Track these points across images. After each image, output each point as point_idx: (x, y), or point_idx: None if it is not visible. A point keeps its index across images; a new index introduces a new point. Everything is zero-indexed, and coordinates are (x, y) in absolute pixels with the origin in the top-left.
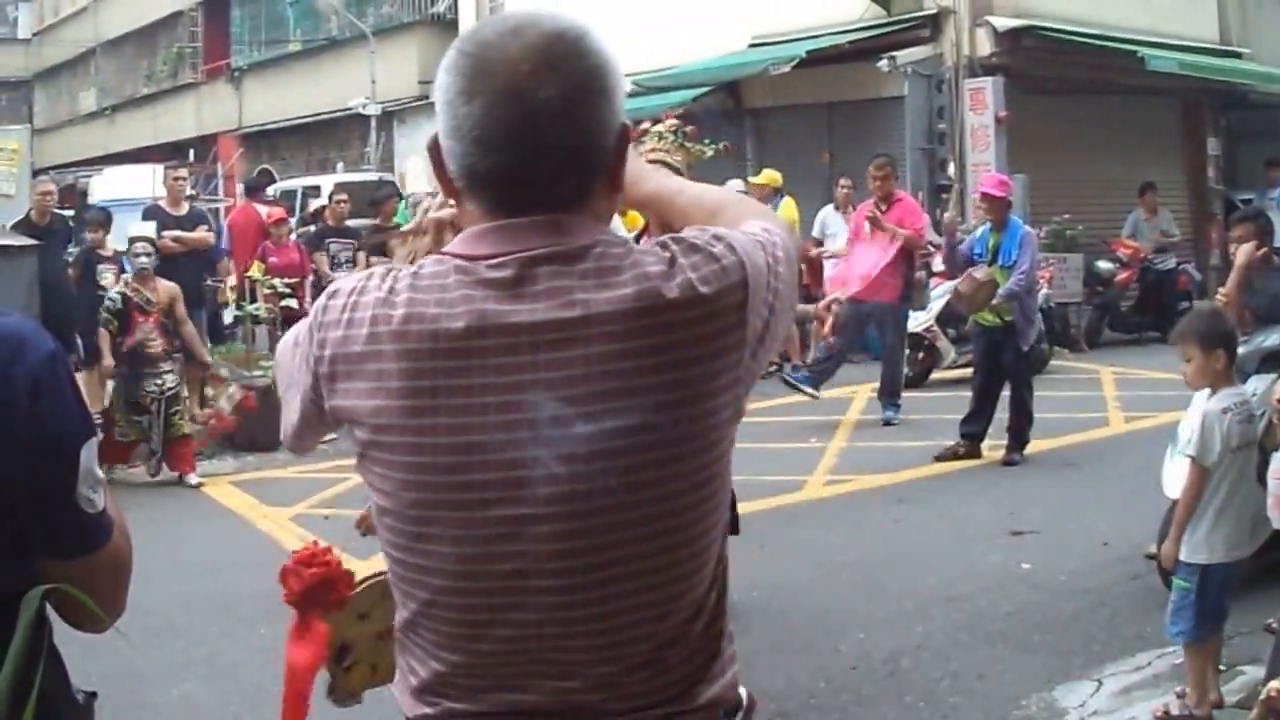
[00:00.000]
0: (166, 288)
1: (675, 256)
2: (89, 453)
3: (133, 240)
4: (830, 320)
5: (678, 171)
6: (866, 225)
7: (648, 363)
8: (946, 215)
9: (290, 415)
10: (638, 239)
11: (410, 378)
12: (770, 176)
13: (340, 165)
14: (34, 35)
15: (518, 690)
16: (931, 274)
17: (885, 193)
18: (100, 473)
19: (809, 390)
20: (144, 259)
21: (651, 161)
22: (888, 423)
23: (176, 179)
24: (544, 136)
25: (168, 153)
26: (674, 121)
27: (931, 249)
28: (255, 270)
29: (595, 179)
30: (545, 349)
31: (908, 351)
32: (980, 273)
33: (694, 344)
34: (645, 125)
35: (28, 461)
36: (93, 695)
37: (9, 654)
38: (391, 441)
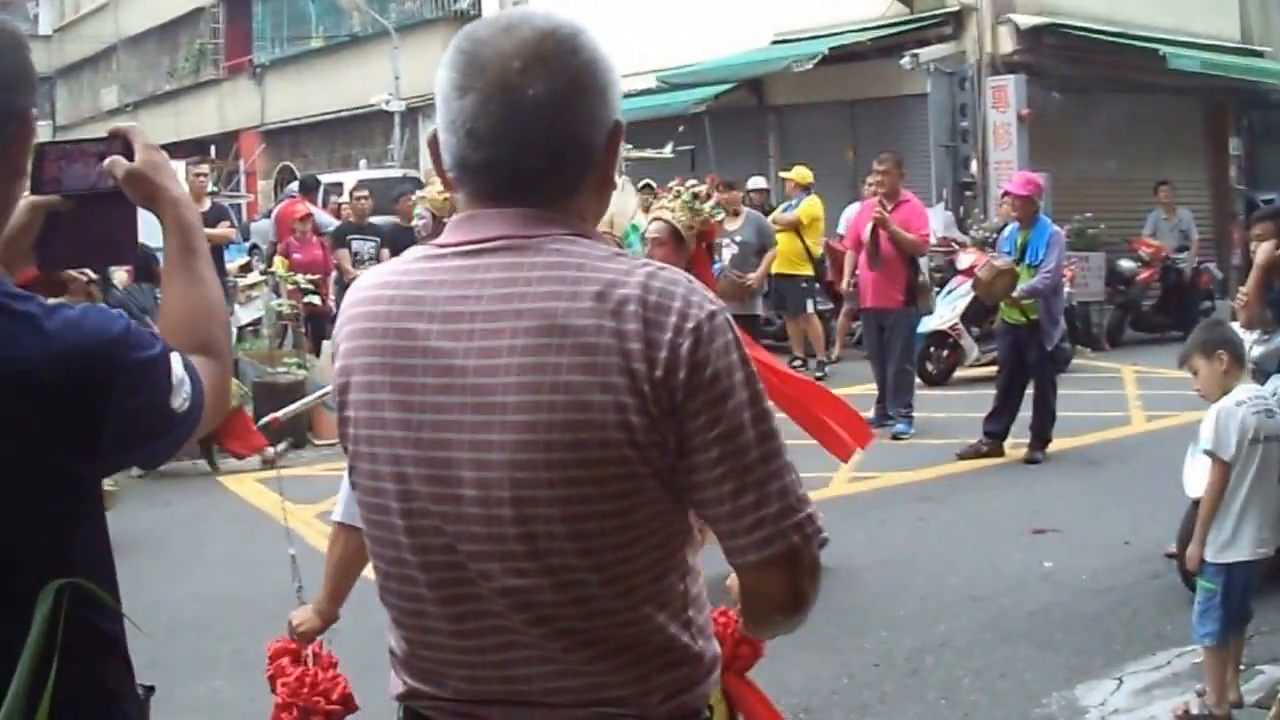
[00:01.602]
0: None
1: (633, 269)
2: (175, 362)
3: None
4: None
5: (678, 233)
6: (866, 227)
7: (565, 360)
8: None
9: None
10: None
11: (366, 354)
12: (801, 174)
13: (363, 162)
14: (55, 32)
15: (471, 680)
16: (956, 271)
17: (890, 190)
18: (182, 370)
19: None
20: None
21: (655, 219)
22: (896, 436)
23: (198, 175)
24: (532, 132)
25: (190, 149)
26: (695, 184)
27: (955, 246)
28: (279, 266)
29: (583, 175)
30: (480, 336)
31: (931, 349)
32: (999, 260)
33: (610, 351)
34: (674, 186)
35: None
36: (150, 690)
37: (25, 650)
38: (353, 416)
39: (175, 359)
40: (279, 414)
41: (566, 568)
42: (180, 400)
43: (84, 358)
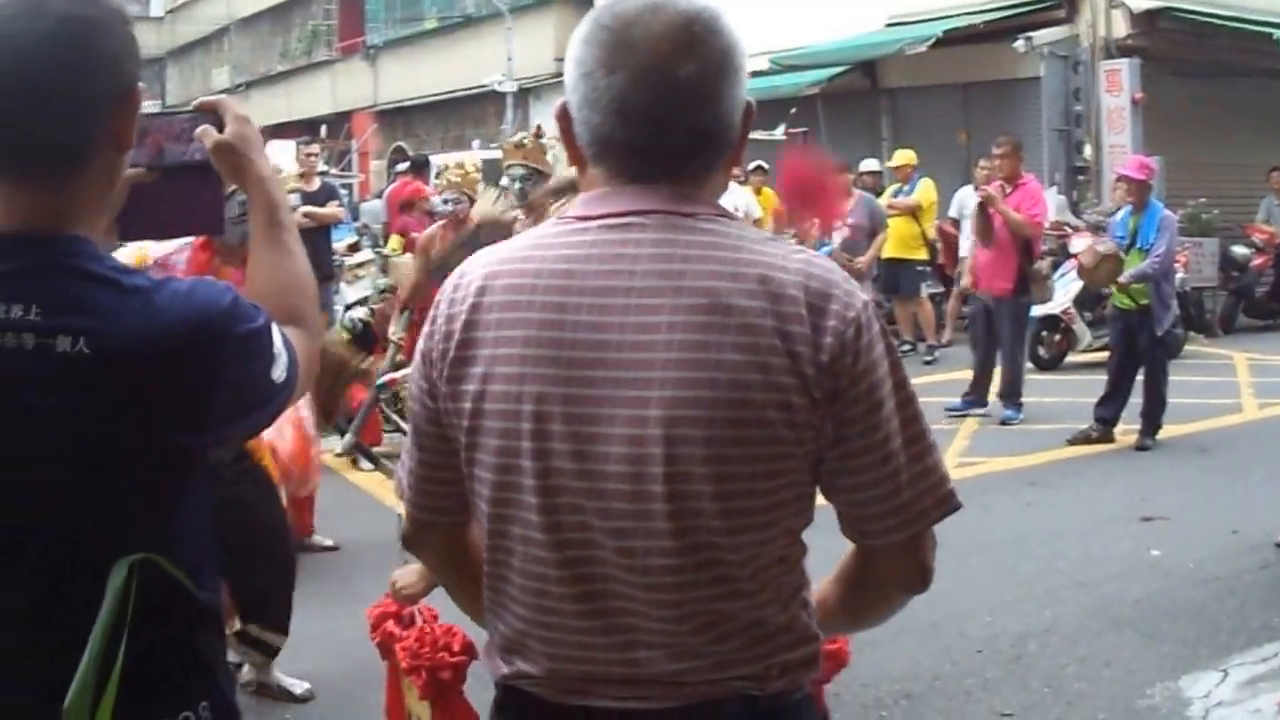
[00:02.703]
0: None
1: (792, 252)
2: (275, 333)
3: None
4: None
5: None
6: (975, 206)
7: (728, 340)
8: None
9: None
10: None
11: (507, 328)
12: (905, 157)
13: (476, 142)
14: (166, 14)
15: (584, 661)
16: (1069, 255)
17: (1009, 174)
18: (280, 341)
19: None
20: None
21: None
22: (1005, 422)
23: (309, 155)
24: (682, 113)
25: (302, 129)
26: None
27: (1069, 230)
28: (394, 244)
29: (722, 156)
30: (635, 312)
31: (1043, 333)
32: (1103, 246)
33: (774, 333)
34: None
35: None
36: (239, 666)
37: (96, 625)
38: (482, 390)
39: (275, 330)
40: (397, 374)
41: (710, 545)
42: (279, 371)
43: (193, 330)
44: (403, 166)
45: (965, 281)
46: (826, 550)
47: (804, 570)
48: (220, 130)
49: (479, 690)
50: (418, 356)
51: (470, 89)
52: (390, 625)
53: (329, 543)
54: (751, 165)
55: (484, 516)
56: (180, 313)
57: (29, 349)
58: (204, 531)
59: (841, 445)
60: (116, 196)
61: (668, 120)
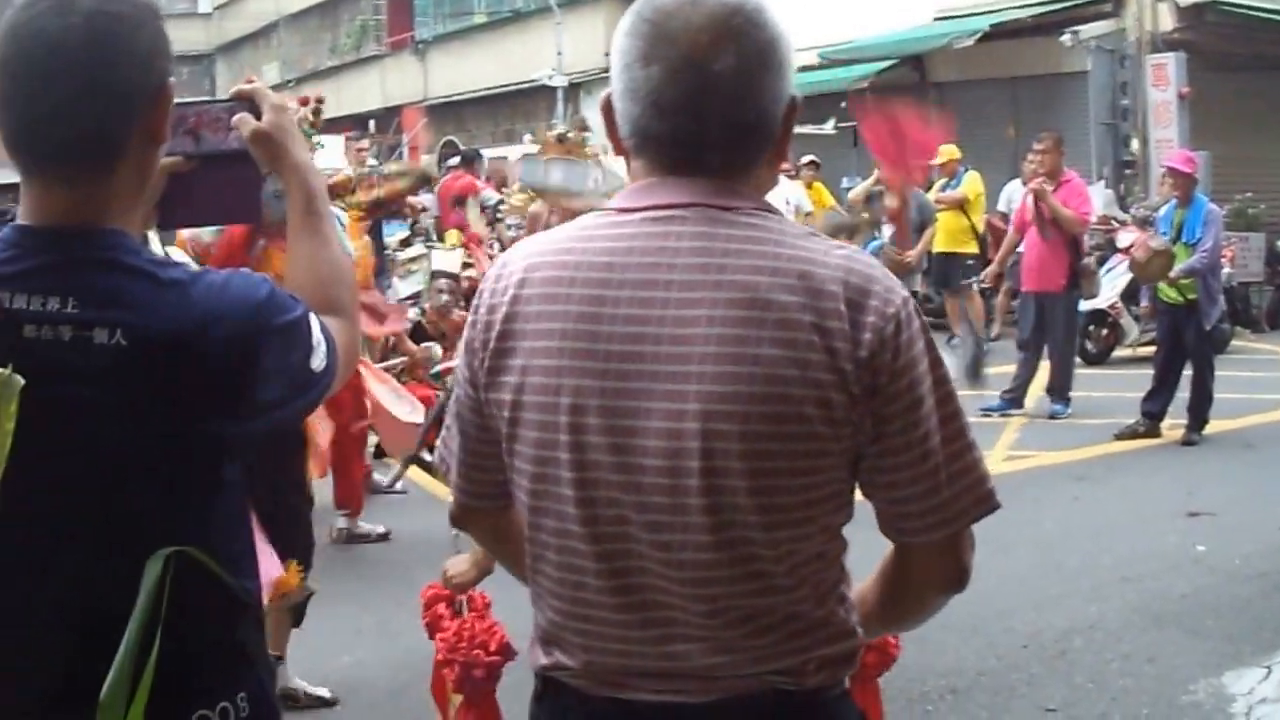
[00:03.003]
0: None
1: (832, 248)
2: (313, 323)
3: (435, 274)
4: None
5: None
6: (1029, 200)
7: (766, 335)
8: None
9: None
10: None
11: (546, 320)
12: (949, 151)
13: (527, 137)
14: (215, 10)
15: (620, 654)
16: (1116, 250)
17: (1051, 169)
18: (319, 331)
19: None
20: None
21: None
22: (1053, 416)
23: (359, 149)
24: (718, 106)
25: (352, 124)
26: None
27: (1116, 224)
28: (451, 237)
29: (762, 149)
30: (675, 305)
31: (1090, 328)
32: (1156, 241)
33: (813, 329)
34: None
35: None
36: (279, 659)
37: (132, 618)
38: (521, 382)
39: (313, 319)
40: (452, 363)
41: (745, 540)
42: (319, 360)
43: (230, 322)
44: (453, 161)
45: (989, 272)
46: (992, 517)
47: (843, 566)
48: (258, 119)
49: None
50: (462, 345)
51: (520, 83)
52: (441, 608)
53: (380, 530)
54: (804, 159)
55: (523, 508)
56: (216, 305)
57: (66, 341)
58: (242, 522)
59: (880, 442)
60: (153, 187)
61: (704, 113)
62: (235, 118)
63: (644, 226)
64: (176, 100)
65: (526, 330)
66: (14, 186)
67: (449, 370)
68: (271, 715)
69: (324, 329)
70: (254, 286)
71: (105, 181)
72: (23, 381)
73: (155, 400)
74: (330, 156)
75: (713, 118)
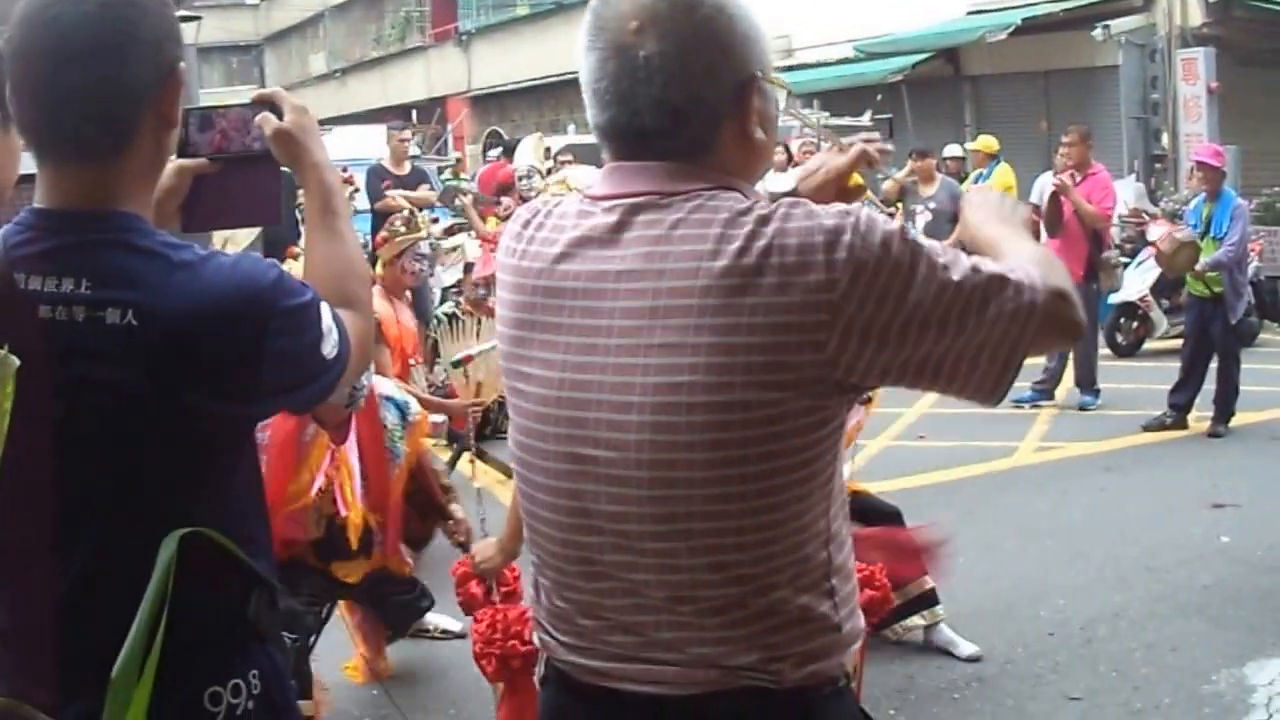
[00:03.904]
0: None
1: (770, 217)
2: (324, 310)
3: (469, 266)
4: None
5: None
6: (1045, 196)
7: (706, 322)
8: (886, 184)
9: None
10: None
11: (516, 309)
12: (986, 143)
13: (572, 128)
14: (262, 1)
15: (603, 644)
16: (1147, 243)
17: (1078, 162)
18: (330, 319)
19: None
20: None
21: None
22: (1083, 407)
23: (401, 139)
24: (644, 92)
25: (397, 114)
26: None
27: (1146, 218)
28: (491, 224)
29: (714, 130)
30: (624, 296)
31: (1121, 320)
32: (1181, 233)
33: (755, 311)
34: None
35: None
36: (295, 640)
37: (145, 598)
38: (506, 368)
39: (325, 307)
40: (471, 350)
41: (703, 532)
42: (330, 347)
43: (238, 303)
44: (495, 151)
45: None
46: (1021, 508)
47: (829, 558)
48: (280, 119)
49: None
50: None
51: (565, 74)
52: (474, 586)
53: None
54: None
55: (518, 489)
56: (225, 285)
57: (79, 321)
58: (256, 501)
59: (888, 349)
60: (166, 185)
61: (633, 100)
62: (259, 115)
63: (602, 217)
64: (200, 105)
65: (507, 318)
66: (33, 177)
67: (469, 359)
68: (284, 692)
69: (336, 317)
70: (263, 269)
71: (118, 164)
72: (18, 361)
73: (167, 380)
74: (375, 146)
75: (642, 104)
